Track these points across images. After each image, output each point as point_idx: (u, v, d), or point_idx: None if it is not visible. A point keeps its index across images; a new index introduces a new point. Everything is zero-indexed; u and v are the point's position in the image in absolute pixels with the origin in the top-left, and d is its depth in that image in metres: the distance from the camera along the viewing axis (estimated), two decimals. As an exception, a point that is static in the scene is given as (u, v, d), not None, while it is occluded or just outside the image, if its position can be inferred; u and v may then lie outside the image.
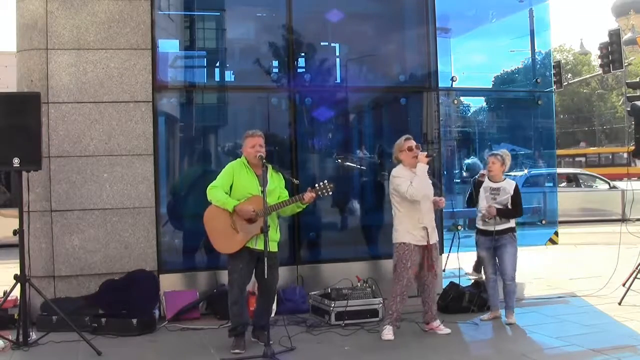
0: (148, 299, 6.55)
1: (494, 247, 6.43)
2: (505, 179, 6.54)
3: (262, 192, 5.41)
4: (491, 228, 6.39)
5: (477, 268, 8.49)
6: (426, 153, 6.14)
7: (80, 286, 6.60)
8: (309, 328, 6.26)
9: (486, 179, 6.57)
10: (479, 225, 6.53)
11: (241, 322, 5.63)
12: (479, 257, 8.10)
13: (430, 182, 6.17)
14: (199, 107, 8.00)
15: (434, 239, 6.08)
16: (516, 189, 6.45)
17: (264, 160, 5.53)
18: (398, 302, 5.96)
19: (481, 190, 6.54)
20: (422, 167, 5.98)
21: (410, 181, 5.91)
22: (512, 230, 6.42)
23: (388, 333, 5.91)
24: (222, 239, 5.58)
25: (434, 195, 6.21)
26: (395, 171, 6.09)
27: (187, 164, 7.93)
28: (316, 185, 5.59)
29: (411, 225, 5.97)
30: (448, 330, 6.09)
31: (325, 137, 8.40)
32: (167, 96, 7.39)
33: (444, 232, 7.98)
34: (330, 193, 5.59)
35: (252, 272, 5.70)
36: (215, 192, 5.57)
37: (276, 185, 5.69)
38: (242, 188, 5.59)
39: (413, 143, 6.12)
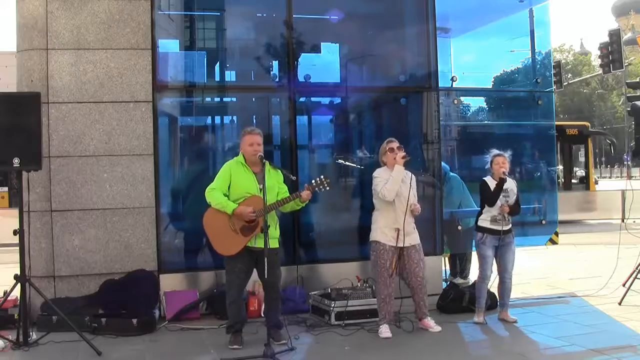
0: (148, 299, 6.54)
1: (498, 246, 6.41)
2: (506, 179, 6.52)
3: (262, 190, 5.40)
4: (500, 227, 6.34)
5: (454, 272, 8.37)
6: (403, 154, 6.08)
7: (80, 286, 6.60)
8: (309, 328, 6.26)
9: (490, 179, 6.43)
10: (486, 224, 6.39)
11: (238, 320, 5.71)
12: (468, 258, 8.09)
13: (413, 185, 6.15)
14: (199, 107, 8.00)
15: (409, 242, 6.04)
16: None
17: (263, 160, 5.53)
18: (387, 302, 5.99)
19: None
20: (398, 169, 6.02)
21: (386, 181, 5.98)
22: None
23: (385, 331, 5.94)
24: (222, 241, 5.59)
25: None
26: (377, 172, 6.20)
27: (187, 163, 7.92)
28: (313, 181, 5.60)
29: (384, 224, 6.03)
30: (438, 328, 6.12)
31: (325, 137, 8.39)
32: (167, 96, 7.38)
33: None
34: (328, 188, 5.61)
35: (251, 272, 5.72)
36: (214, 194, 5.56)
37: (274, 181, 5.68)
38: (240, 187, 5.59)
39: (395, 144, 6.16)
